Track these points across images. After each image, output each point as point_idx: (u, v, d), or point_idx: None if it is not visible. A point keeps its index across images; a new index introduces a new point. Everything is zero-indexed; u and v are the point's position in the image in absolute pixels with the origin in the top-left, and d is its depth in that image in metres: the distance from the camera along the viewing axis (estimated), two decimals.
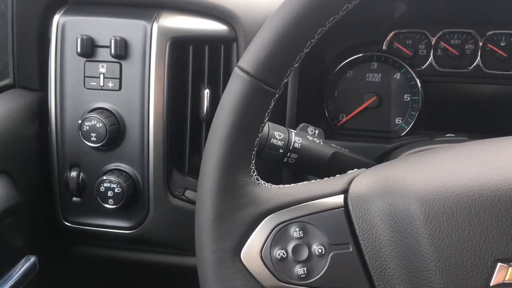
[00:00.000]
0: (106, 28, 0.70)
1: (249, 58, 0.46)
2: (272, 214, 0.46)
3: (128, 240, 0.74)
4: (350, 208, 0.45)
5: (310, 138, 0.61)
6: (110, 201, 0.69)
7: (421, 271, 0.41)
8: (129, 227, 0.73)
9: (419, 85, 0.81)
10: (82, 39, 0.68)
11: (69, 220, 0.75)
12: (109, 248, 0.80)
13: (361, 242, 0.44)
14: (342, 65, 0.83)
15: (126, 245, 0.79)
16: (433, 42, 0.82)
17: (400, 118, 0.83)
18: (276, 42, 0.46)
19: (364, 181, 0.46)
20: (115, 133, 0.69)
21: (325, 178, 0.49)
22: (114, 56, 0.69)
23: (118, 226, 0.73)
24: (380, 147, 0.76)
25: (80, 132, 0.69)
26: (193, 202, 0.72)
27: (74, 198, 0.74)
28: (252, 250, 0.46)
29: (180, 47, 0.71)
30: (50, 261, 0.74)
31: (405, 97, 0.82)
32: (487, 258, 0.39)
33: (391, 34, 0.83)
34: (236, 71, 0.47)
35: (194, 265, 0.50)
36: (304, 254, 0.45)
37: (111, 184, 0.69)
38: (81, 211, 0.74)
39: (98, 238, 0.76)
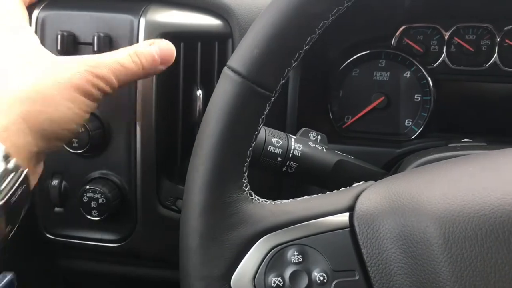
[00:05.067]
0: (89, 23, 0.63)
1: (240, 56, 0.41)
2: (267, 235, 0.40)
3: (115, 254, 0.69)
4: (357, 228, 0.39)
5: (311, 145, 0.55)
6: (94, 213, 0.63)
7: None
8: (116, 240, 0.67)
9: (431, 84, 0.75)
10: (62, 36, 0.62)
11: (51, 232, 0.69)
12: (95, 261, 0.74)
13: (369, 268, 0.38)
14: (348, 63, 0.77)
15: (113, 259, 0.73)
16: (446, 38, 0.76)
17: (410, 120, 0.77)
18: (272, 37, 0.40)
19: (373, 196, 0.40)
20: (99, 138, 0.63)
21: (327, 193, 0.43)
22: None
23: (103, 239, 0.67)
24: (389, 152, 0.70)
25: None
26: None
27: (56, 209, 0.68)
28: (244, 276, 0.40)
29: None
30: (29, 277, 0.68)
31: (415, 97, 0.77)
32: None
33: (400, 29, 0.77)
34: (225, 71, 0.41)
35: None
36: (304, 282, 0.39)
37: (95, 194, 0.63)
38: (64, 222, 0.68)
39: (82, 251, 0.70)
